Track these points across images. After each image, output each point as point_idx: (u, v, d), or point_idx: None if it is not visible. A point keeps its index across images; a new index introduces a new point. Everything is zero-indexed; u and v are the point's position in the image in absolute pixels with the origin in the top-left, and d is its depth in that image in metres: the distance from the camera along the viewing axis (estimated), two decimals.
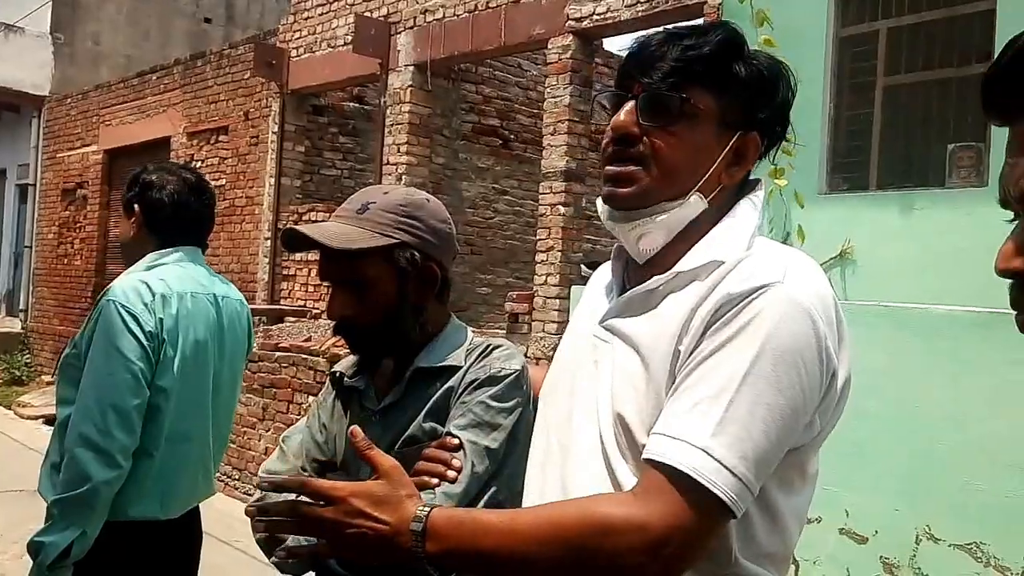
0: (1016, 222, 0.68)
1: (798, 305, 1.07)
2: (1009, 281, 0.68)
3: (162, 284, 2.24)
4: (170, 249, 2.35)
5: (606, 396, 1.18)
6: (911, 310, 4.24)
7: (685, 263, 1.17)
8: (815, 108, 5.39)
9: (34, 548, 2.04)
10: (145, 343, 2.15)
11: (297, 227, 1.47)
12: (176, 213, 2.34)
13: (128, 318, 2.14)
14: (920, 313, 4.21)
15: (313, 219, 8.97)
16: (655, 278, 1.19)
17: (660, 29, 1.23)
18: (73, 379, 2.17)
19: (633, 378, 1.15)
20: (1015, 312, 0.69)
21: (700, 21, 6.16)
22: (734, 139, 1.19)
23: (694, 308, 1.12)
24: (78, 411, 2.08)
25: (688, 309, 1.12)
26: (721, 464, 1.02)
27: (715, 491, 1.02)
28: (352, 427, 1.19)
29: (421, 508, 1.07)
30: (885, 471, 4.14)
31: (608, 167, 1.20)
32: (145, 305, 2.18)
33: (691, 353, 1.10)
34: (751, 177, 1.26)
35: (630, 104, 1.18)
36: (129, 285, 2.21)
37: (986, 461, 3.83)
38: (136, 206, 2.34)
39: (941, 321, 4.09)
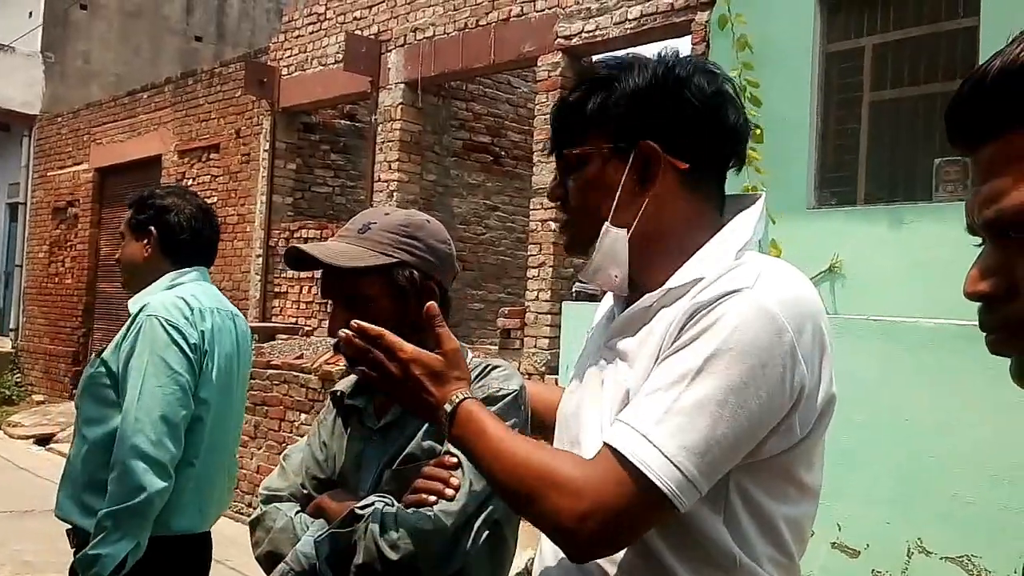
0: (983, 247, 0.71)
1: (763, 309, 1.09)
2: (978, 304, 0.71)
3: (195, 300, 2.33)
4: (187, 268, 2.44)
5: (608, 416, 1.20)
6: (900, 323, 4.27)
7: (675, 280, 1.20)
8: (803, 124, 5.45)
9: (87, 562, 2.05)
10: (191, 356, 2.22)
11: (300, 246, 1.50)
12: (193, 237, 2.45)
13: (173, 332, 2.20)
14: (908, 326, 4.24)
15: (304, 236, 8.99)
16: (647, 295, 1.22)
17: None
18: (100, 397, 2.20)
19: (628, 395, 1.18)
20: (984, 334, 0.71)
21: (687, 39, 6.23)
22: (631, 159, 1.22)
23: (672, 320, 1.15)
24: (128, 424, 2.10)
25: (668, 323, 1.16)
26: (660, 450, 1.05)
27: (649, 476, 1.04)
28: (428, 303, 1.32)
29: (458, 394, 1.22)
30: (875, 483, 4.16)
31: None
32: (186, 319, 2.25)
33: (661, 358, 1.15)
34: (753, 191, 1.30)
35: (555, 166, 1.32)
36: (168, 301, 2.27)
37: (974, 472, 3.86)
38: (152, 228, 2.41)
39: (929, 334, 4.12)
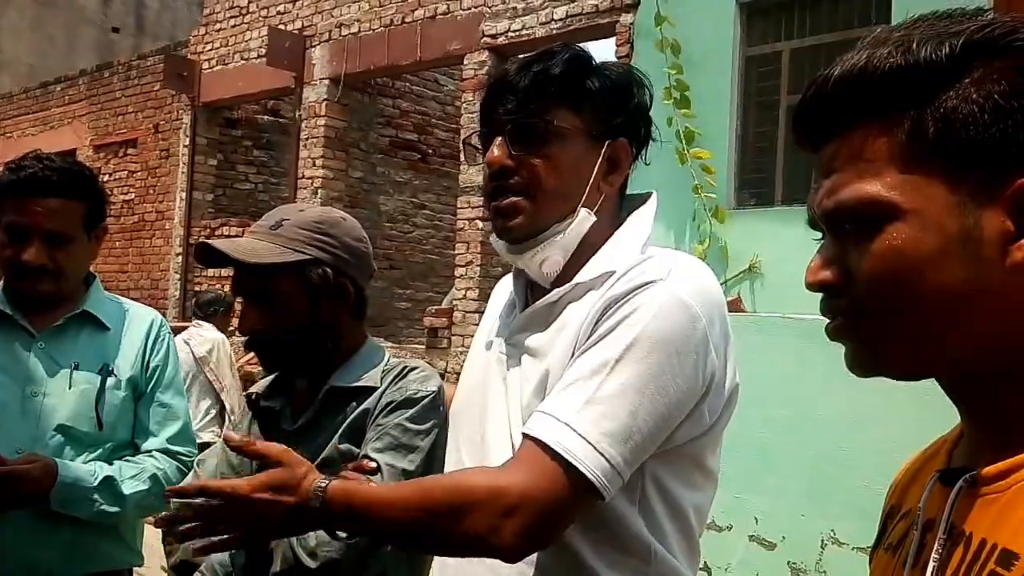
0: (823, 240, 0.76)
1: (677, 299, 1.11)
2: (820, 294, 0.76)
3: None
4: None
5: (517, 412, 1.21)
6: (813, 320, 4.40)
7: (583, 275, 1.21)
8: (722, 126, 5.57)
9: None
10: None
11: (210, 241, 1.47)
12: None
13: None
14: (822, 323, 4.37)
15: (226, 234, 8.81)
16: (556, 290, 1.23)
17: (514, 62, 1.28)
18: (122, 411, 1.94)
19: (540, 389, 1.19)
20: (827, 320, 0.76)
21: (612, 40, 6.31)
22: (604, 149, 1.23)
23: (586, 314, 1.17)
24: (179, 435, 1.97)
25: (583, 316, 1.17)
26: (584, 439, 1.05)
27: (574, 463, 1.04)
28: (225, 432, 1.20)
29: (319, 483, 1.10)
30: (791, 477, 4.27)
31: (492, 203, 1.24)
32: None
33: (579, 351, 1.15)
34: (645, 191, 1.32)
35: (499, 139, 1.21)
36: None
37: (884, 465, 3.99)
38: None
39: None
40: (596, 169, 1.23)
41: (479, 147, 1.28)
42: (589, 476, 1.04)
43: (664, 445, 1.14)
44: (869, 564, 0.87)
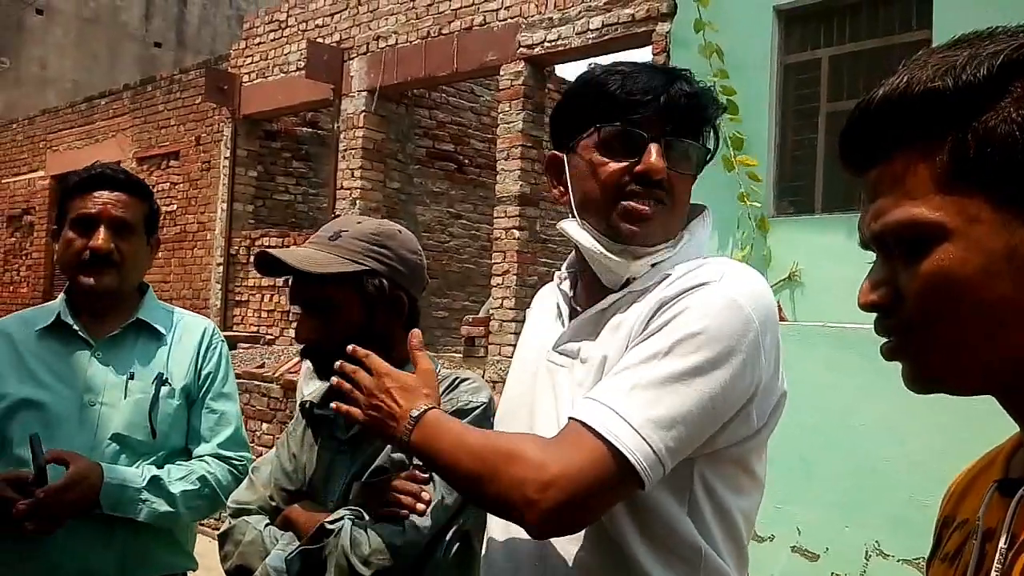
0: (875, 261, 0.77)
1: (731, 300, 1.13)
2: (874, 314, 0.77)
3: None
4: None
5: (565, 415, 1.21)
6: (852, 330, 4.35)
7: (638, 282, 1.23)
8: (761, 134, 5.53)
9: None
10: None
11: (270, 250, 1.49)
12: None
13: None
14: (862, 333, 4.32)
15: (266, 244, 8.92)
16: (608, 297, 1.25)
17: (645, 68, 1.27)
18: (176, 419, 1.98)
19: (589, 389, 1.19)
20: (883, 341, 0.78)
21: (648, 50, 6.30)
22: (699, 176, 1.29)
23: (639, 313, 1.19)
24: (231, 440, 2.03)
25: (636, 316, 1.20)
26: (627, 422, 1.07)
27: (616, 444, 1.05)
28: (413, 330, 1.36)
29: (426, 404, 1.22)
30: (833, 488, 4.23)
31: (633, 203, 1.22)
32: None
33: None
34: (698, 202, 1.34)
35: (655, 147, 1.21)
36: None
37: (926, 475, 3.94)
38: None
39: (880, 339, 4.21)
40: (689, 195, 1.29)
41: (614, 143, 1.23)
42: (630, 459, 1.05)
43: (711, 445, 1.15)
44: (927, 575, 0.87)
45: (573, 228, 1.28)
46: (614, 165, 1.23)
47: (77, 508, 1.74)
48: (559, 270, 1.41)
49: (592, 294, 1.29)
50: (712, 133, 1.28)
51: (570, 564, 1.18)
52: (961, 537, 0.79)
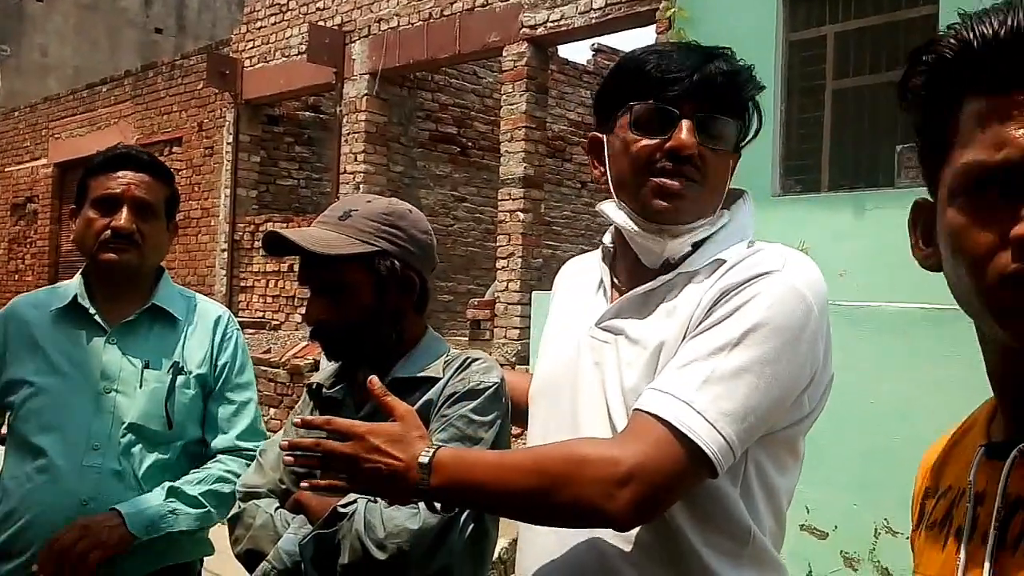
0: None
1: (794, 289, 1.15)
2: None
3: None
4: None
5: (616, 393, 1.22)
6: (863, 307, 4.34)
7: (688, 264, 1.23)
8: (767, 112, 5.45)
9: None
10: None
11: (279, 231, 1.47)
12: None
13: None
14: (872, 310, 4.31)
15: (270, 228, 8.91)
16: (659, 278, 1.24)
17: (684, 48, 1.27)
18: (191, 409, 1.95)
19: (643, 371, 1.20)
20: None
21: (651, 29, 6.26)
22: (738, 157, 1.29)
23: (699, 301, 1.19)
24: (248, 430, 1.99)
25: (694, 303, 1.19)
26: (703, 416, 1.08)
27: (692, 437, 1.07)
28: (371, 376, 1.25)
29: (430, 446, 1.15)
30: (842, 466, 4.22)
31: (663, 179, 1.22)
32: None
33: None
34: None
35: (687, 123, 1.21)
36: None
37: None
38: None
39: (893, 318, 4.19)
40: (731, 175, 1.28)
41: (644, 119, 1.23)
42: (707, 451, 1.08)
43: (769, 429, 1.17)
44: (912, 548, 0.88)
45: (610, 209, 1.29)
46: (646, 142, 1.22)
47: (105, 553, 1.70)
48: (603, 244, 1.39)
49: (635, 273, 1.29)
50: (754, 112, 1.28)
51: (620, 540, 1.18)
52: (947, 504, 0.80)
